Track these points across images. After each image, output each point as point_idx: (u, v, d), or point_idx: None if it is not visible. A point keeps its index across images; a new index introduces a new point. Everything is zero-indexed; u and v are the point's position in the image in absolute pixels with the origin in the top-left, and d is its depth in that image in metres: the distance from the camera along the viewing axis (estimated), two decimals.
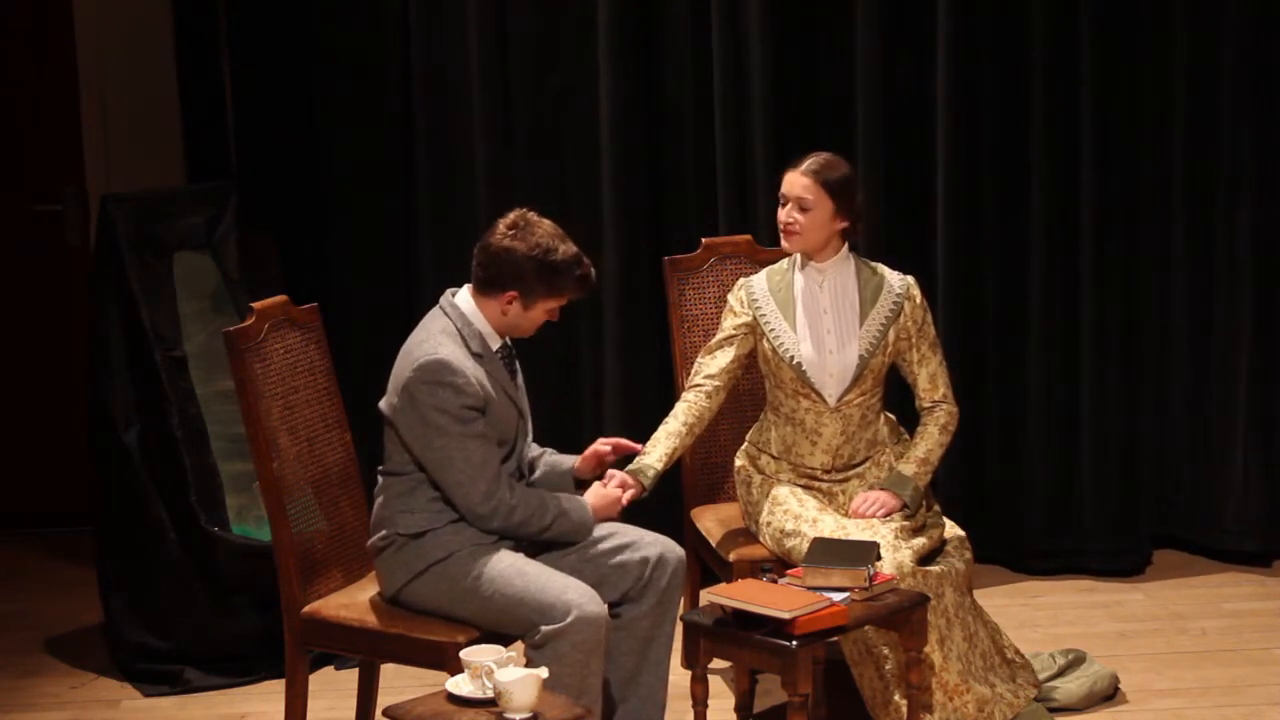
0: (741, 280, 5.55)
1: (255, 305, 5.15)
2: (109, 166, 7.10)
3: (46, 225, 7.25)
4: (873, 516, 5.31)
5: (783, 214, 5.40)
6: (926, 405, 5.51)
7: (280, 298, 5.25)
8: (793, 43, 6.60)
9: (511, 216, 4.97)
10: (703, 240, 5.98)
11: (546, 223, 4.98)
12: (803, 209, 5.37)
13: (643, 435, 5.42)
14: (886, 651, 5.25)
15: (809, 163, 5.39)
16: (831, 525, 5.27)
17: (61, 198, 7.21)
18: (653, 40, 6.62)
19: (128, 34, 7.03)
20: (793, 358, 5.41)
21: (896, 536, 5.23)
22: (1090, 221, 6.69)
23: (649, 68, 6.63)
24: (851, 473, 5.48)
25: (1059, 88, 6.64)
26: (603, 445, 5.24)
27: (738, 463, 5.62)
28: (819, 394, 5.42)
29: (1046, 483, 6.84)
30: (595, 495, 5.14)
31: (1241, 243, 6.77)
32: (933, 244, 6.70)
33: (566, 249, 4.95)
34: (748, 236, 6.04)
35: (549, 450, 5.26)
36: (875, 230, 6.58)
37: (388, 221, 6.69)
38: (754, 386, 5.69)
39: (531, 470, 5.19)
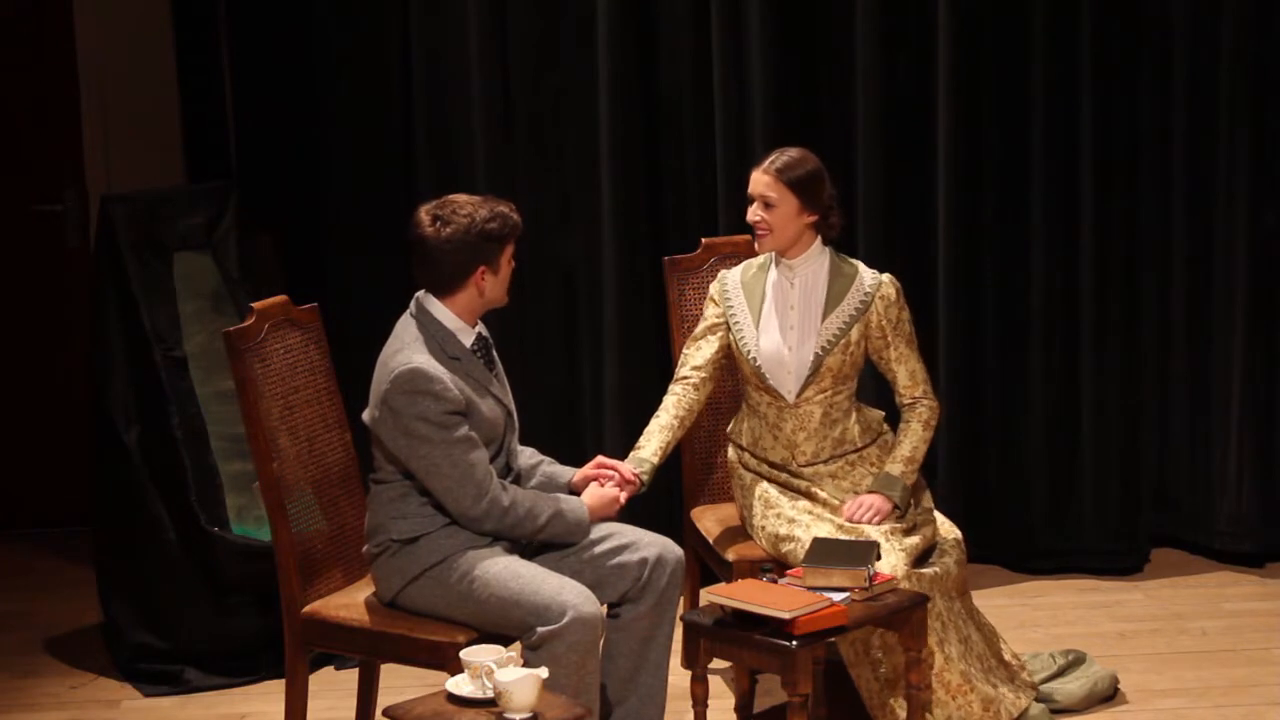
0: (721, 272, 5.56)
1: (255, 305, 5.14)
2: (109, 166, 7.10)
3: (46, 225, 7.25)
4: (867, 523, 5.29)
5: (750, 213, 5.40)
6: (907, 402, 5.50)
7: (280, 298, 5.25)
8: (793, 43, 6.60)
9: (424, 216, 4.92)
10: (703, 240, 5.98)
11: (452, 196, 4.97)
12: (767, 206, 5.37)
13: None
14: (880, 655, 5.24)
15: (770, 160, 5.38)
16: (827, 529, 5.26)
17: (61, 198, 7.21)
18: (653, 41, 6.61)
19: (128, 34, 7.03)
20: (750, 353, 5.41)
21: (888, 539, 5.22)
22: (1090, 222, 6.68)
23: (649, 68, 6.62)
24: (822, 469, 5.44)
25: (1059, 88, 6.63)
26: (601, 470, 5.20)
27: (729, 455, 5.62)
28: (777, 390, 5.42)
29: (1046, 483, 6.84)
30: (592, 495, 5.12)
31: (1240, 244, 6.76)
32: (933, 244, 6.70)
33: (485, 203, 4.94)
34: (747, 236, 6.00)
35: (547, 460, 5.24)
36: (875, 230, 6.59)
37: (388, 221, 6.68)
38: None
39: (526, 479, 5.17)
